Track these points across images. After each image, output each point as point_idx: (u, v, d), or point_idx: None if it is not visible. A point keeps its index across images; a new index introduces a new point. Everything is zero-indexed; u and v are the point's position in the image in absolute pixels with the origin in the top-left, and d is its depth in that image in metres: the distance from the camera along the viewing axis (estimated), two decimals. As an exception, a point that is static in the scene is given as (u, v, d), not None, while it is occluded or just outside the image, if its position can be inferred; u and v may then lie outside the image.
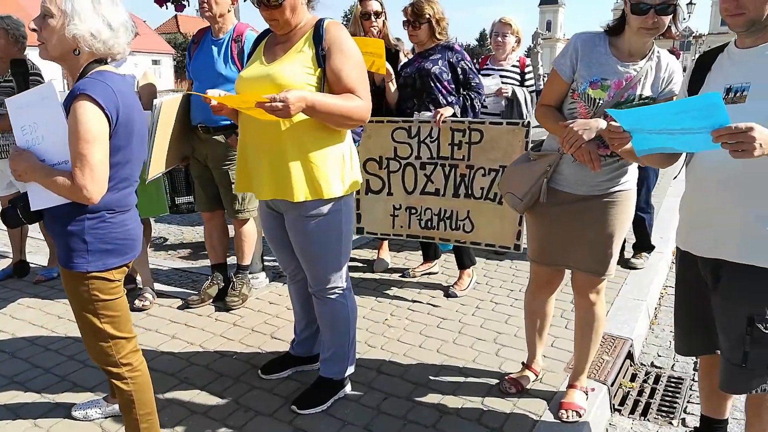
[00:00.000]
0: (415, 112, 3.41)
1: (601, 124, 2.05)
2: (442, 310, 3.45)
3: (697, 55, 2.07)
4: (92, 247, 1.85)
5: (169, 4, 3.93)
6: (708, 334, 1.97)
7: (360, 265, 4.25)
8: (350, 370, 2.55)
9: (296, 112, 1.99)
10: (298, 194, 2.18)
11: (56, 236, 1.89)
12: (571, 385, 2.52)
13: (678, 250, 2.02)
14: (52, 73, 4.10)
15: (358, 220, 3.66)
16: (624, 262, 4.11)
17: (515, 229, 3.22)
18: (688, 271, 1.98)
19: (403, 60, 4.66)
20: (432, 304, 3.53)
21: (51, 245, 4.10)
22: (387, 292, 3.74)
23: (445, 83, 3.39)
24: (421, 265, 4.05)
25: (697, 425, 2.32)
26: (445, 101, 3.40)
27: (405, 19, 3.41)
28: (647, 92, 2.13)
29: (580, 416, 2.41)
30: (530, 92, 4.16)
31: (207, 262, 3.83)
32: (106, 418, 2.41)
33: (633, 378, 2.95)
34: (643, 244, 4.20)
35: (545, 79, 2.96)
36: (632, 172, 2.28)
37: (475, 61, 4.43)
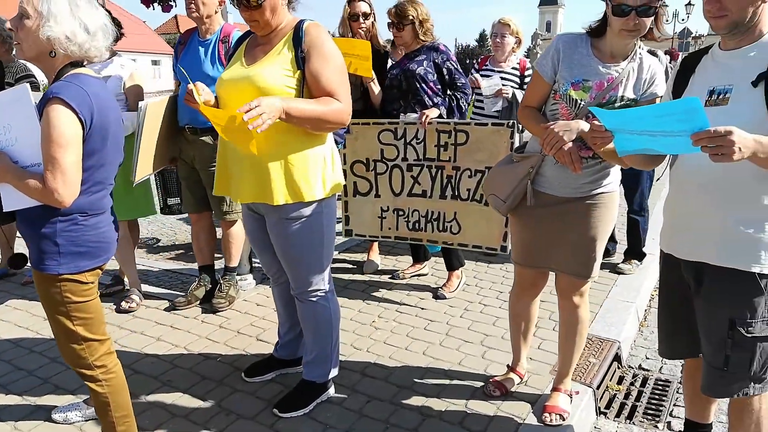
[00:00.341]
0: (401, 114, 3.40)
1: (582, 125, 2.04)
2: (431, 312, 3.44)
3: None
4: (64, 249, 1.84)
5: (155, 4, 3.92)
6: (692, 338, 1.95)
7: (349, 266, 4.23)
8: (333, 373, 2.54)
9: (272, 115, 1.95)
10: (278, 197, 2.16)
11: (28, 238, 1.88)
12: (555, 388, 2.51)
13: (661, 252, 2.01)
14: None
15: (346, 222, 3.65)
16: (612, 267, 4.10)
17: (501, 231, 3.21)
18: (671, 273, 1.97)
19: None
20: (420, 306, 3.52)
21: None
22: (376, 294, 3.72)
23: (431, 84, 3.38)
24: (411, 266, 4.03)
25: (682, 429, 2.30)
26: (431, 102, 3.39)
27: (389, 20, 3.40)
28: (629, 93, 2.12)
29: (564, 419, 2.39)
30: None
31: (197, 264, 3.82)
32: (86, 421, 2.39)
33: (620, 380, 2.93)
34: (634, 250, 4.17)
35: None
36: (615, 174, 2.27)
37: (474, 61, 4.41)
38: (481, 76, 4.06)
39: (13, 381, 2.71)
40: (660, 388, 2.86)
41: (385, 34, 3.81)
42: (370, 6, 3.59)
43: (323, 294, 2.40)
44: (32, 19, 1.77)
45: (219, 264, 3.74)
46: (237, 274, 3.67)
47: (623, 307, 3.52)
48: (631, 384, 2.91)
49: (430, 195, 3.40)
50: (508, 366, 2.69)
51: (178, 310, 3.45)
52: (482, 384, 2.65)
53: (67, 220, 1.83)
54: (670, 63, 5.53)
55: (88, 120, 1.77)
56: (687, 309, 1.93)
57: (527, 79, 4.18)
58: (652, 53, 3.80)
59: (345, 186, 3.52)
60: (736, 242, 1.72)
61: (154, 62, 44.83)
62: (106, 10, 2.97)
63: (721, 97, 1.71)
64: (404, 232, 3.53)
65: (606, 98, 2.11)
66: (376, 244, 4.22)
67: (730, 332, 1.75)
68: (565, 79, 2.15)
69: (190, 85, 2.08)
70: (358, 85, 3.59)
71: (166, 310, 3.48)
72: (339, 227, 3.79)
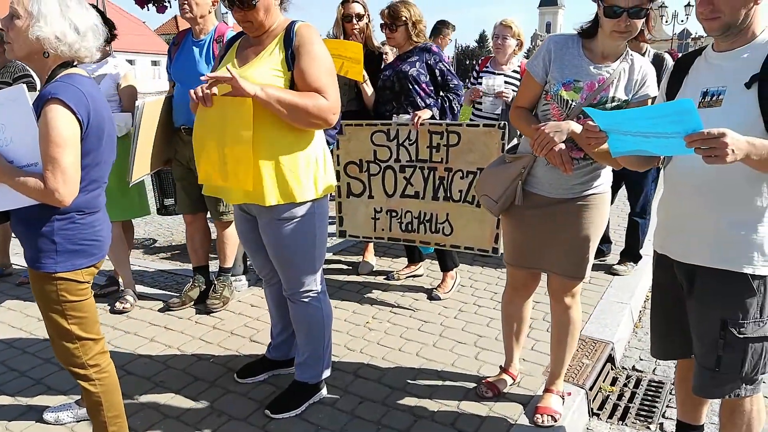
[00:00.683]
0: (394, 115, 3.40)
1: (573, 126, 2.04)
2: (425, 313, 3.44)
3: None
4: (61, 248, 1.86)
5: (150, 5, 3.93)
6: (684, 338, 1.95)
7: (344, 267, 4.23)
8: (326, 374, 2.54)
9: (248, 87, 1.98)
10: (269, 198, 2.16)
11: (24, 237, 1.90)
12: (547, 390, 2.51)
13: (655, 253, 2.01)
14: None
15: (340, 223, 3.65)
16: (608, 268, 4.10)
17: (493, 232, 3.21)
18: (664, 274, 1.97)
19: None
20: (414, 308, 3.51)
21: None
22: (370, 295, 3.72)
23: (423, 85, 3.38)
24: (406, 267, 4.03)
25: (674, 430, 2.30)
26: (423, 103, 3.39)
27: (382, 22, 3.41)
28: (620, 94, 2.12)
29: (556, 420, 2.39)
30: None
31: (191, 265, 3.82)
32: (77, 421, 2.39)
33: (613, 382, 2.93)
34: (631, 251, 4.16)
35: None
36: (606, 175, 2.27)
37: (474, 62, 4.39)
38: (483, 77, 4.03)
39: (6, 381, 2.71)
40: (653, 389, 2.86)
41: (380, 36, 3.82)
42: (364, 7, 3.59)
43: (315, 295, 2.40)
44: (22, 19, 1.79)
45: (214, 265, 3.73)
46: (231, 275, 3.67)
47: (618, 309, 3.52)
48: (624, 385, 2.90)
49: (423, 196, 3.40)
50: (500, 367, 2.69)
51: (172, 310, 3.45)
52: (475, 385, 2.65)
53: (65, 218, 1.86)
54: None
55: (85, 120, 1.80)
56: (680, 310, 1.93)
57: None
58: (660, 57, 3.82)
59: (338, 187, 3.53)
60: (729, 244, 1.72)
61: (154, 63, 44.85)
62: (99, 11, 2.99)
63: (714, 98, 1.71)
64: (397, 233, 3.53)
65: (597, 99, 2.11)
66: (371, 245, 4.22)
67: (722, 333, 1.75)
68: (556, 80, 2.15)
69: (192, 92, 2.09)
70: (352, 86, 3.60)
71: (160, 310, 3.47)
72: (332, 228, 3.81)
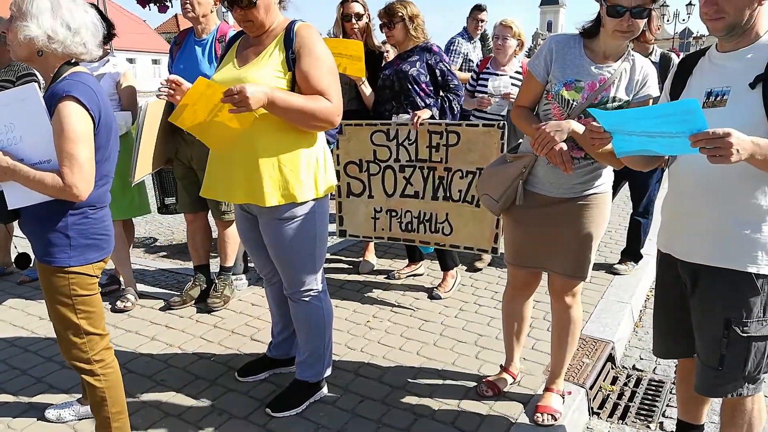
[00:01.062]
0: (393, 115, 3.40)
1: (574, 125, 2.04)
2: (425, 312, 3.44)
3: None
4: (75, 242, 1.91)
5: (151, 5, 3.93)
6: (687, 337, 1.96)
7: (345, 266, 4.24)
8: (326, 372, 2.54)
9: (256, 103, 1.97)
10: (270, 199, 2.17)
11: (36, 233, 1.92)
12: (547, 389, 2.51)
13: (658, 252, 2.01)
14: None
15: (340, 222, 3.66)
16: (608, 268, 4.10)
17: (492, 232, 3.21)
18: (667, 273, 1.98)
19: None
20: (415, 307, 3.52)
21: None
22: (371, 294, 3.72)
23: (423, 85, 3.39)
24: (407, 267, 4.04)
25: (675, 429, 2.30)
26: (423, 103, 3.39)
27: (380, 22, 3.43)
28: (621, 94, 2.12)
29: (556, 419, 2.40)
30: None
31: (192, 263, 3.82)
32: (79, 419, 2.40)
33: (614, 381, 2.93)
34: (632, 251, 4.16)
35: None
36: (607, 175, 2.27)
37: (476, 63, 4.35)
38: (484, 79, 3.98)
39: (8, 380, 2.72)
40: (653, 388, 2.86)
41: (381, 37, 3.82)
42: (363, 7, 3.59)
43: (316, 294, 2.41)
44: (18, 20, 1.79)
45: (215, 264, 3.74)
46: (232, 274, 3.67)
47: (618, 308, 3.53)
48: (625, 384, 2.91)
49: (422, 196, 3.41)
50: (501, 366, 2.69)
51: (173, 309, 3.46)
52: (475, 384, 2.65)
53: (79, 213, 1.90)
54: None
55: (97, 116, 1.84)
56: (682, 308, 1.93)
57: None
58: (667, 56, 3.81)
59: (338, 187, 3.54)
60: (733, 243, 1.72)
61: (154, 61, 44.83)
62: (98, 10, 2.99)
63: (718, 98, 1.71)
64: (397, 233, 3.54)
65: (598, 99, 2.11)
66: (372, 245, 4.22)
67: (726, 332, 1.76)
68: (558, 80, 2.15)
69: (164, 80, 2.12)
70: (352, 85, 3.60)
71: (161, 309, 3.48)
72: (332, 228, 3.81)
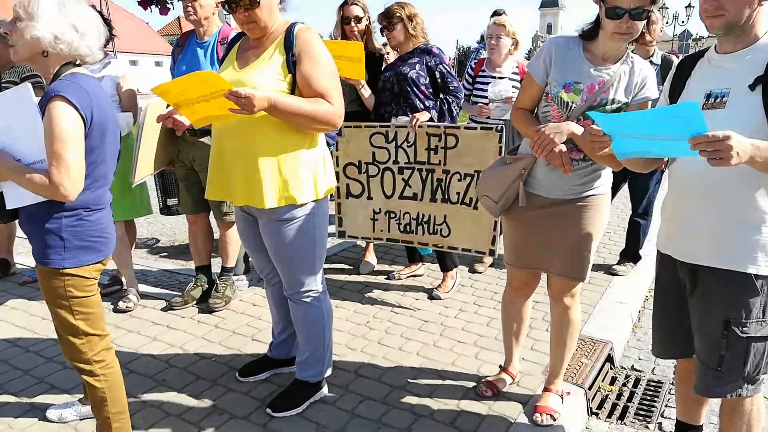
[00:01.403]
0: (393, 117, 3.42)
1: (573, 127, 2.06)
2: (425, 313, 3.45)
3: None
4: (69, 244, 1.91)
5: (153, 7, 3.95)
6: (686, 338, 1.97)
7: (346, 267, 4.25)
8: (326, 372, 2.56)
9: (259, 108, 2.00)
10: (269, 201, 2.18)
11: (32, 234, 1.94)
12: (546, 389, 2.53)
13: (658, 252, 2.02)
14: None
15: (339, 223, 3.68)
16: (607, 268, 4.11)
17: (490, 234, 3.22)
18: (666, 273, 1.99)
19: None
20: (415, 307, 3.53)
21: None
22: (371, 294, 3.74)
23: (423, 87, 3.40)
24: (407, 267, 4.05)
25: (673, 430, 2.31)
26: (422, 106, 3.40)
27: (380, 25, 3.45)
28: (620, 96, 2.13)
29: (555, 420, 2.41)
30: None
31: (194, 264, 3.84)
32: (80, 420, 2.41)
33: (612, 381, 2.94)
34: (631, 252, 4.17)
35: None
36: (606, 176, 2.29)
37: (468, 65, 4.31)
38: (480, 83, 3.95)
39: (9, 380, 2.73)
40: (652, 388, 2.87)
41: (381, 39, 3.84)
42: (363, 9, 3.61)
43: (316, 295, 2.42)
44: (24, 21, 1.82)
45: (216, 265, 3.75)
46: (233, 275, 3.69)
47: (617, 309, 3.54)
48: (623, 385, 2.92)
49: (421, 198, 3.43)
50: (500, 366, 2.71)
51: (174, 310, 3.47)
52: (475, 384, 2.66)
53: (72, 215, 1.90)
54: None
55: (88, 117, 1.84)
56: (682, 309, 1.94)
57: None
58: (668, 59, 3.82)
59: (338, 188, 3.56)
60: (733, 244, 1.73)
61: (157, 63, 44.93)
62: (98, 11, 3.01)
63: (718, 100, 1.71)
64: (396, 235, 3.56)
65: (597, 101, 2.13)
66: (372, 245, 4.24)
67: (725, 332, 1.77)
68: (557, 82, 2.16)
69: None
70: (353, 87, 3.62)
71: (162, 310, 3.50)
72: (332, 228, 3.83)
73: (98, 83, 1.98)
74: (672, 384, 2.86)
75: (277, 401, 2.48)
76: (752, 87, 1.65)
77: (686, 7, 31.74)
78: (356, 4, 3.60)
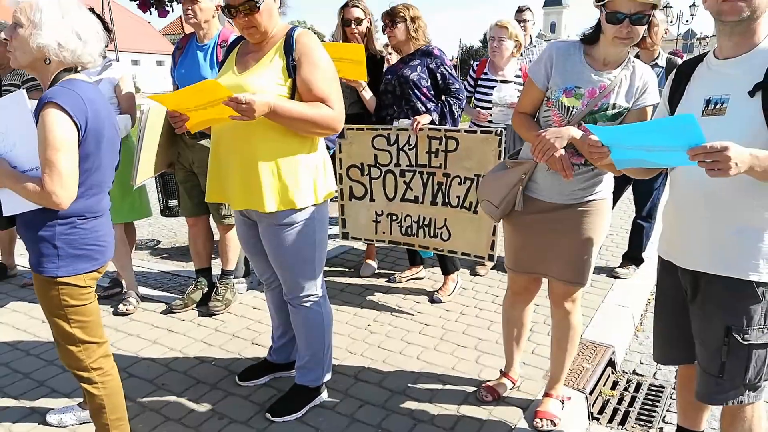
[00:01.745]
0: (394, 120, 3.41)
1: (573, 132, 2.04)
2: (426, 316, 3.45)
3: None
4: (62, 252, 1.88)
5: (152, 9, 3.95)
6: (687, 344, 1.96)
7: (346, 270, 4.24)
8: (326, 377, 2.55)
9: (259, 114, 2.00)
10: (269, 205, 2.18)
11: (28, 241, 1.92)
12: (546, 394, 2.52)
13: (659, 258, 2.01)
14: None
15: (343, 225, 3.68)
16: (609, 271, 4.10)
17: (489, 239, 3.21)
18: (668, 280, 1.98)
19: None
20: (416, 310, 3.52)
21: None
22: (372, 297, 3.73)
23: (424, 90, 3.40)
24: (408, 270, 4.04)
25: (673, 436, 2.30)
26: (424, 108, 3.40)
27: (383, 24, 3.45)
28: (621, 101, 2.12)
29: (555, 425, 2.40)
30: None
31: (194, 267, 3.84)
32: (80, 424, 2.41)
33: (614, 386, 2.93)
34: (634, 254, 4.16)
35: None
36: (607, 181, 2.27)
37: (470, 67, 4.29)
38: (483, 86, 3.93)
39: (10, 383, 2.73)
40: (654, 393, 2.86)
41: (382, 40, 3.83)
42: (364, 12, 3.60)
43: (316, 299, 2.42)
44: (25, 28, 1.81)
45: (217, 267, 3.75)
46: (234, 277, 3.69)
47: (619, 312, 3.52)
48: (625, 389, 2.91)
49: (422, 201, 3.43)
50: (501, 371, 2.70)
51: (174, 313, 3.47)
52: (475, 389, 2.66)
53: (66, 223, 1.88)
54: None
55: (83, 124, 1.81)
56: (683, 315, 1.93)
57: None
58: (673, 61, 3.80)
59: (341, 190, 3.56)
60: (735, 251, 1.72)
61: (159, 63, 45.00)
62: (96, 14, 3.00)
63: (718, 106, 1.70)
64: (397, 237, 3.56)
65: (598, 106, 2.11)
66: (373, 247, 4.23)
67: (726, 339, 1.76)
68: (558, 86, 2.15)
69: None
70: (353, 89, 3.61)
71: (162, 313, 3.49)
72: (334, 230, 3.82)
73: (95, 89, 1.96)
74: (674, 388, 2.85)
75: (277, 406, 2.48)
76: (752, 93, 1.64)
77: (690, 6, 31.65)
78: (357, 6, 3.60)
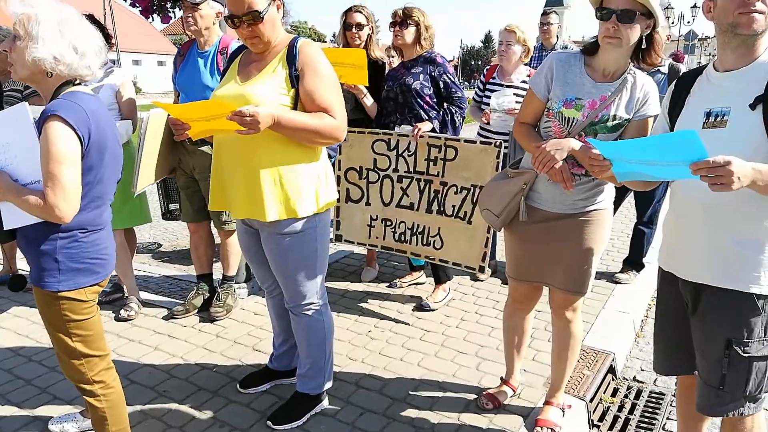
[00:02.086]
0: (396, 126, 3.41)
1: (573, 144, 2.05)
2: (427, 322, 3.45)
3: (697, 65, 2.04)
4: (63, 266, 1.86)
5: (155, 15, 3.96)
6: (687, 355, 1.96)
7: (347, 275, 4.25)
8: (327, 385, 2.56)
9: (264, 126, 2.01)
10: (271, 214, 2.18)
11: (29, 255, 1.91)
12: (547, 402, 2.52)
13: (660, 269, 2.02)
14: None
15: (337, 227, 3.69)
16: (610, 277, 4.10)
17: (482, 251, 3.19)
18: (668, 290, 1.98)
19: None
20: (416, 316, 3.53)
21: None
22: (372, 303, 3.74)
23: (427, 98, 3.39)
24: (408, 275, 4.05)
25: (674, 443, 2.31)
26: (427, 116, 3.39)
27: (392, 21, 3.39)
28: (621, 112, 2.12)
29: (555, 433, 2.40)
30: None
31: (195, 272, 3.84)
32: (82, 432, 2.42)
33: (614, 393, 2.94)
34: (634, 260, 4.16)
35: None
36: (608, 191, 2.28)
37: (480, 73, 4.26)
38: (490, 90, 3.90)
39: (12, 390, 2.74)
40: (654, 400, 2.87)
41: (385, 43, 3.83)
42: (367, 18, 3.61)
43: (317, 307, 2.42)
44: (24, 41, 1.80)
45: (218, 271, 3.76)
46: (234, 282, 3.69)
47: (619, 318, 3.53)
48: (625, 396, 2.91)
49: (417, 208, 3.42)
50: (501, 378, 2.70)
51: (176, 318, 3.48)
52: (476, 396, 2.66)
53: (67, 237, 1.86)
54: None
55: (85, 136, 1.80)
56: (683, 326, 1.94)
57: None
58: (675, 68, 3.80)
59: (338, 191, 3.56)
60: (735, 263, 1.72)
61: (160, 63, 45.02)
62: (97, 23, 2.99)
63: (718, 119, 1.70)
64: (390, 243, 3.56)
65: (598, 117, 2.12)
66: (374, 252, 4.23)
67: (727, 352, 1.76)
68: (558, 98, 2.16)
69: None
70: (353, 95, 3.61)
71: (164, 318, 3.50)
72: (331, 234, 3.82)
73: (97, 100, 1.95)
74: (674, 395, 2.85)
75: (278, 413, 2.49)
76: (753, 106, 1.64)
77: (692, 7, 31.62)
78: (360, 12, 3.60)
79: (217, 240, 3.77)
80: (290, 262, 2.31)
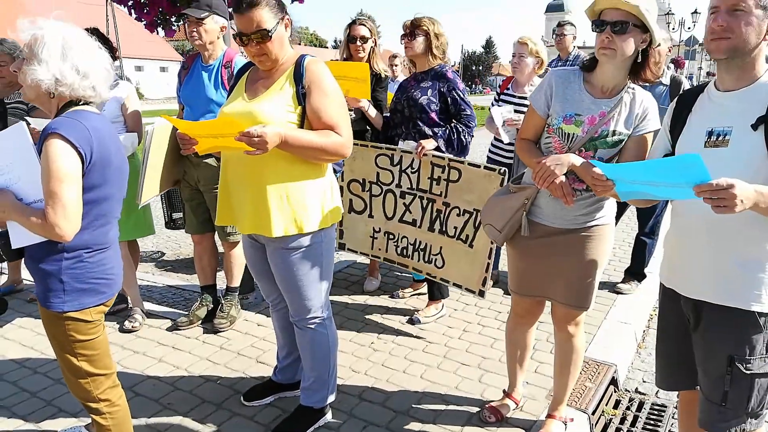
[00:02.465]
0: (400, 141, 3.42)
1: (574, 159, 2.07)
2: (429, 333, 3.47)
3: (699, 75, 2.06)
4: (68, 287, 1.85)
5: (159, 29, 3.99)
6: (689, 371, 1.97)
7: (349, 285, 4.27)
8: (331, 398, 2.57)
9: (272, 146, 2.04)
10: (277, 230, 2.21)
11: (34, 274, 1.90)
12: (549, 415, 2.53)
13: (661, 286, 2.03)
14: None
15: (340, 235, 3.70)
16: (612, 287, 4.11)
17: (482, 276, 3.16)
18: (670, 307, 1.99)
19: (400, 76, 4.65)
20: (419, 327, 3.54)
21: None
22: (375, 314, 3.75)
23: (432, 114, 3.31)
24: (410, 286, 4.06)
25: (675, 457, 2.32)
26: (430, 132, 3.32)
27: (403, 33, 3.36)
28: (621, 128, 2.14)
29: (558, 447, 2.41)
30: None
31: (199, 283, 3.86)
32: (87, 445, 2.44)
33: (616, 405, 2.95)
34: (636, 270, 4.18)
35: None
36: (609, 206, 2.30)
37: (496, 89, 4.24)
38: (504, 101, 3.91)
39: (17, 403, 2.76)
40: (656, 413, 2.88)
41: (385, 55, 3.85)
42: (371, 31, 3.64)
43: (321, 321, 2.44)
44: (28, 61, 1.80)
45: (221, 280, 3.78)
46: (238, 294, 3.71)
47: (621, 329, 3.54)
48: (627, 408, 2.92)
49: (420, 225, 3.41)
50: (504, 391, 2.71)
51: (180, 330, 3.50)
52: (479, 409, 2.67)
53: (73, 257, 1.85)
54: (688, 79, 5.31)
55: (87, 154, 1.78)
56: (685, 342, 1.95)
57: None
58: (677, 80, 3.81)
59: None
60: (737, 281, 1.74)
61: (162, 69, 45.13)
62: (102, 36, 3.01)
63: (720, 138, 1.72)
64: (393, 256, 3.57)
65: (598, 133, 2.14)
66: (377, 263, 4.25)
67: (729, 369, 1.77)
68: (558, 114, 2.18)
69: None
70: (358, 110, 3.63)
71: (168, 329, 3.52)
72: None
73: (102, 117, 1.93)
74: (675, 408, 2.86)
75: (282, 427, 2.50)
76: (755, 127, 1.66)
77: (692, 13, 31.71)
78: (364, 25, 3.63)
79: (221, 250, 3.79)
80: (296, 276, 2.33)
